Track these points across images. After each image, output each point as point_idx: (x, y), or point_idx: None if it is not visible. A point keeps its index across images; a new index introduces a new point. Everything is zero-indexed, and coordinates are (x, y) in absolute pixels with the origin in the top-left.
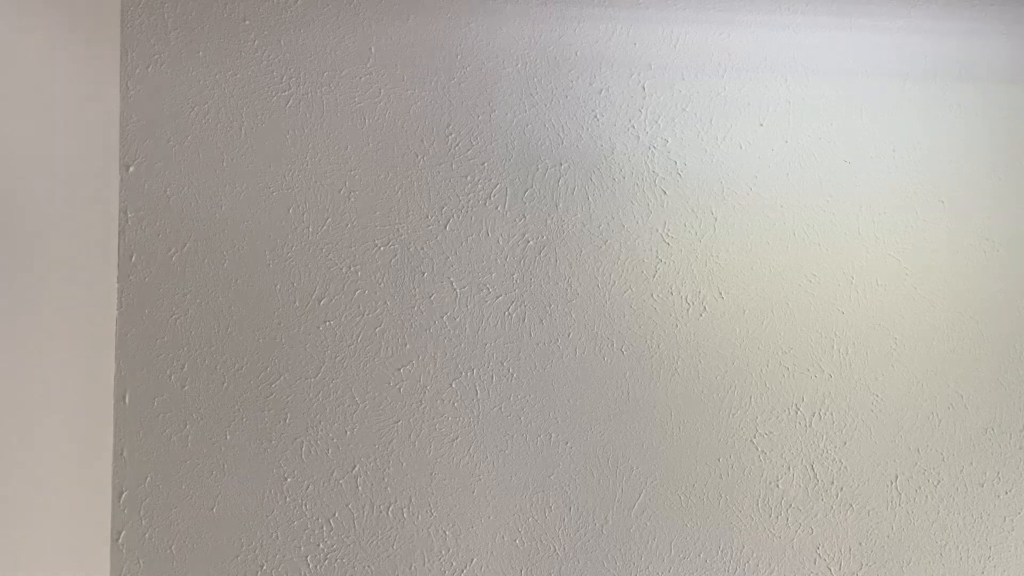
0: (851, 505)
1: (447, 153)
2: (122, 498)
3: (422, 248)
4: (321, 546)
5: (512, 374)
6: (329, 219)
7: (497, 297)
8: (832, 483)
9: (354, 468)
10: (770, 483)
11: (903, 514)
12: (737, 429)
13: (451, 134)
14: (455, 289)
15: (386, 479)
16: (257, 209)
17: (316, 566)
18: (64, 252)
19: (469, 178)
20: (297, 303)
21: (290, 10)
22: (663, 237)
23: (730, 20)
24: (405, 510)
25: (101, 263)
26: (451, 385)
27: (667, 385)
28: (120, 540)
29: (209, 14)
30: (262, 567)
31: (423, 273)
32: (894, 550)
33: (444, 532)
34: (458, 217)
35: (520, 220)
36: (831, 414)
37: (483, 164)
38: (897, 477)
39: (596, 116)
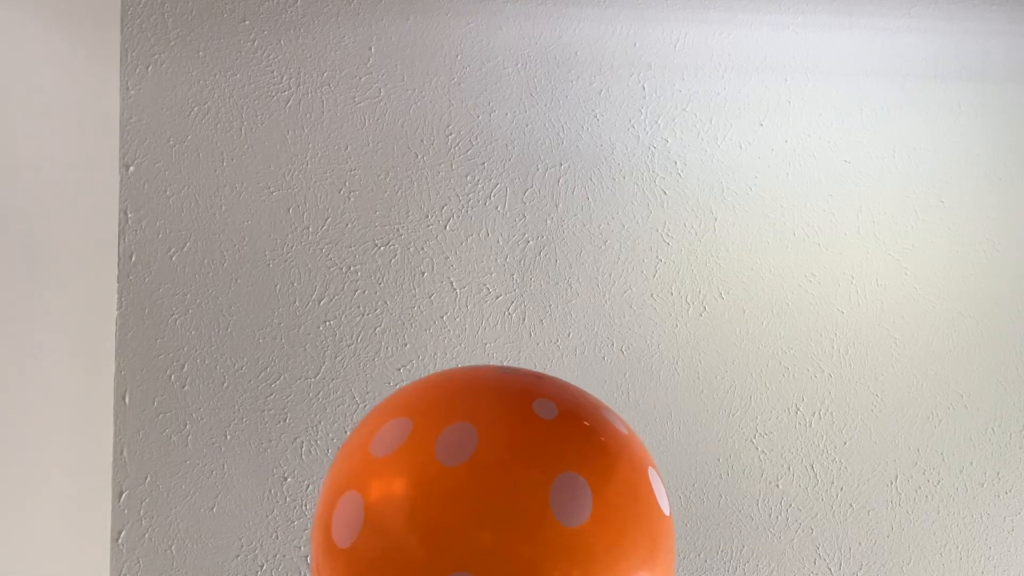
0: (851, 505)
1: (447, 153)
2: (122, 498)
3: (422, 248)
4: None
5: None
6: (329, 219)
7: (497, 297)
8: (832, 483)
9: None
10: (770, 483)
11: (903, 514)
12: (737, 429)
13: (451, 134)
14: (455, 289)
15: None
16: (257, 209)
17: None
18: (64, 252)
19: (469, 178)
20: (297, 303)
21: (290, 10)
22: (663, 237)
23: (730, 20)
24: None
25: (101, 263)
26: None
27: (667, 385)
28: (120, 540)
29: (209, 14)
30: (262, 567)
31: (423, 273)
32: (894, 550)
33: None
34: (458, 217)
35: (520, 220)
36: (831, 414)
37: (483, 164)
38: (897, 477)
39: (596, 116)
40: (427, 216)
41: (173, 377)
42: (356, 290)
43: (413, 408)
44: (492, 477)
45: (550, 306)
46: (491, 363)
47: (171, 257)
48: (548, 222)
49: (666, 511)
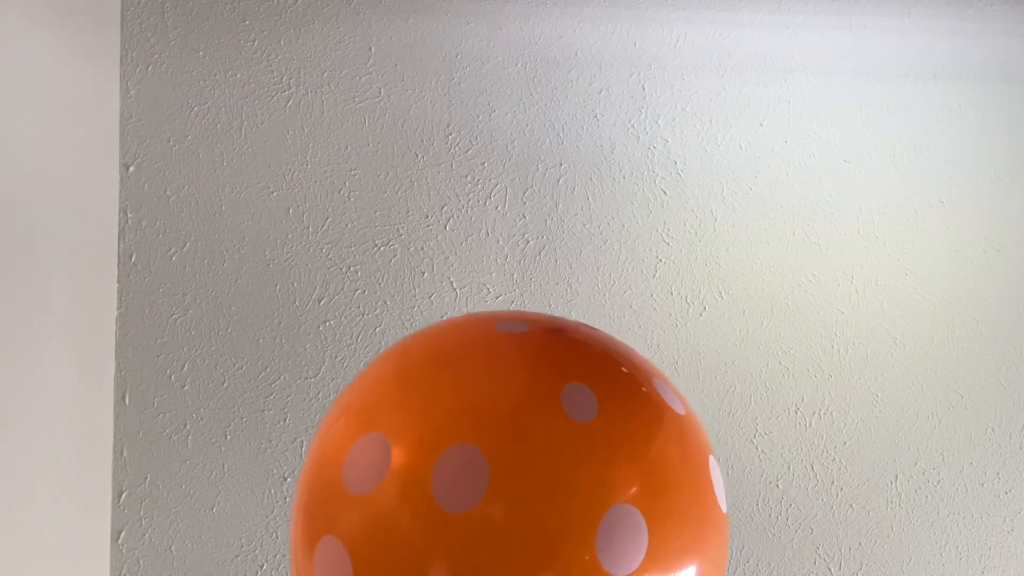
0: (851, 505)
1: (447, 153)
2: (122, 498)
3: (422, 248)
4: None
5: None
6: (329, 219)
7: (497, 297)
8: (832, 483)
9: None
10: (770, 483)
11: (903, 514)
12: (737, 429)
13: (451, 134)
14: (455, 289)
15: None
16: (257, 209)
17: None
18: (64, 252)
19: (469, 178)
20: (297, 303)
21: (290, 10)
22: (663, 237)
23: (730, 20)
24: None
25: (101, 263)
26: None
27: None
28: (120, 540)
29: (209, 14)
30: (262, 567)
31: (423, 273)
32: (894, 550)
33: None
34: (458, 217)
35: (520, 220)
36: (831, 414)
37: (483, 164)
38: (897, 477)
39: (596, 116)
40: (427, 216)
41: (173, 377)
42: (356, 290)
43: (384, 417)
44: (513, 521)
45: (550, 306)
46: None
47: (171, 257)
48: (548, 222)
49: (723, 508)
